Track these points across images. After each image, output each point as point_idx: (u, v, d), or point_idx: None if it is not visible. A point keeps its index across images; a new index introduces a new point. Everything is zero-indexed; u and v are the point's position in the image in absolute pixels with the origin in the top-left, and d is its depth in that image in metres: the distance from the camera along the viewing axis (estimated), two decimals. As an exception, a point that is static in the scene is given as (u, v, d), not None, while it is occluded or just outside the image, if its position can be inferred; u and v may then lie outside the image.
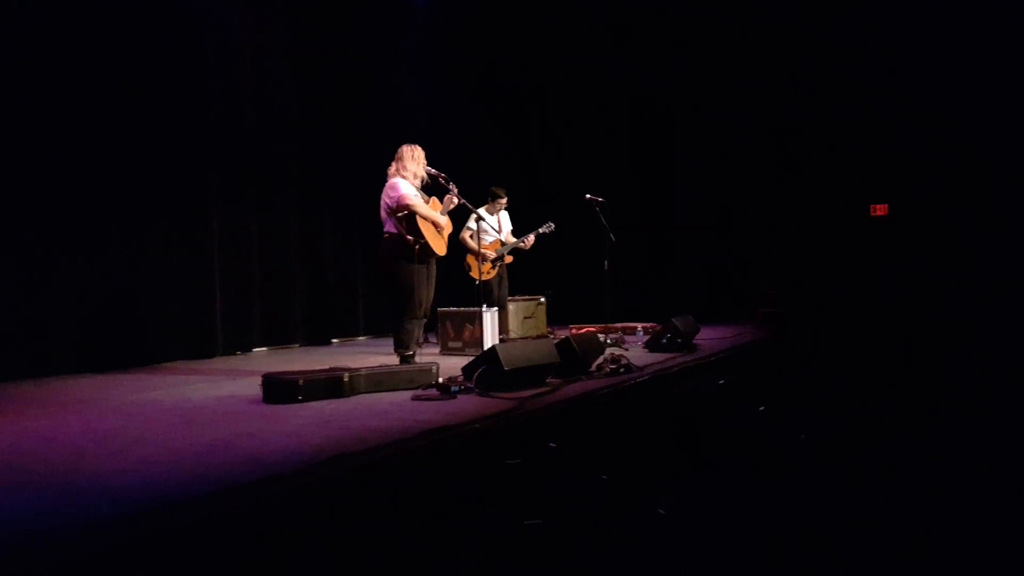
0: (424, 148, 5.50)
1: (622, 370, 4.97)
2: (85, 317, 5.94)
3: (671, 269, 10.46)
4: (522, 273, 7.83)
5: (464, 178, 5.79)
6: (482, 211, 6.84)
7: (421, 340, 5.64)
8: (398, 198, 5.16)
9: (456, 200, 5.43)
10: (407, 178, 5.29)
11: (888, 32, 9.38)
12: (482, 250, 6.70)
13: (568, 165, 10.62)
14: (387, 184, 5.30)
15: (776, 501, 3.39)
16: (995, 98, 8.99)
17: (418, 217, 5.16)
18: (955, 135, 9.25)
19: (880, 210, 9.73)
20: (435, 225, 5.30)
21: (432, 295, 5.51)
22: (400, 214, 5.18)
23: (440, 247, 5.33)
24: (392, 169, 5.38)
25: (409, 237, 5.15)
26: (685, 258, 10.45)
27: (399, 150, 5.39)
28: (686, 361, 5.69)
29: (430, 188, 5.54)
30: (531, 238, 6.90)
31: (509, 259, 6.99)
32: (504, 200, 6.93)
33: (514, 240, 7.02)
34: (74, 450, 3.14)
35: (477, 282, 5.68)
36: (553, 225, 7.03)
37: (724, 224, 10.30)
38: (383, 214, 5.31)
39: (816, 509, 3.27)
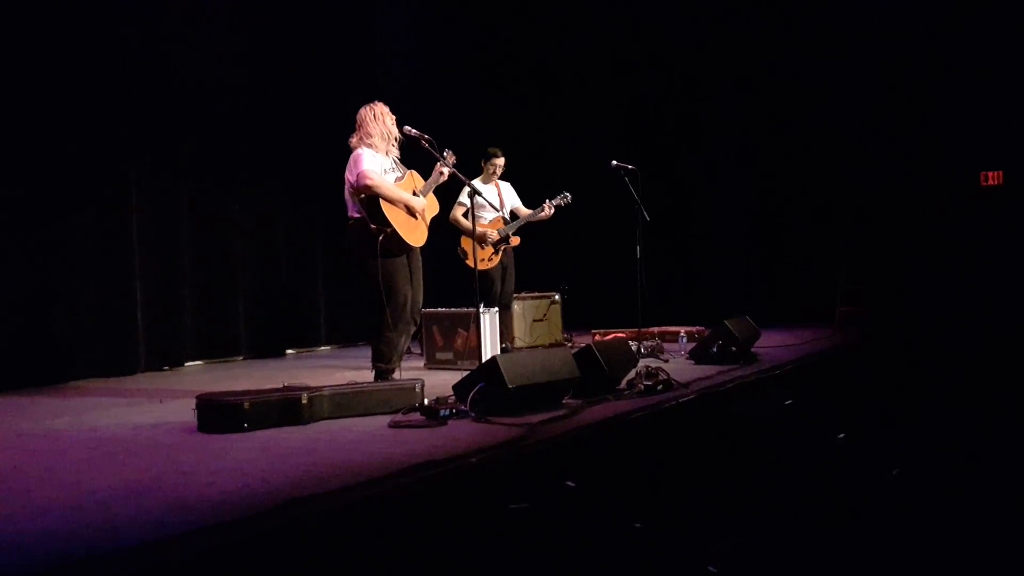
0: (404, 107, 5.48)
1: (660, 387, 4.96)
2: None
3: (722, 258, 10.44)
4: (531, 263, 7.83)
5: (456, 142, 5.77)
6: (477, 182, 6.84)
7: (404, 351, 5.63)
8: (357, 175, 5.14)
9: (447, 171, 5.41)
10: (373, 146, 5.27)
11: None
12: (480, 230, 6.69)
13: (588, 126, 10.61)
14: (350, 158, 5.28)
15: (859, 556, 3.37)
16: None
17: (381, 200, 5.14)
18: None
19: (993, 178, 9.69)
20: (407, 209, 5.27)
21: (421, 294, 5.50)
22: (362, 197, 5.17)
23: (415, 236, 5.31)
24: (354, 139, 5.35)
25: (372, 225, 5.13)
26: (740, 244, 10.44)
27: (358, 114, 5.35)
28: (743, 375, 5.68)
29: (412, 156, 5.52)
30: (548, 208, 6.89)
31: (516, 241, 7.00)
32: (501, 161, 6.93)
33: (528, 212, 7.01)
34: (-45, 494, 3.14)
35: (474, 271, 5.63)
36: (569, 196, 7.02)
37: (790, 202, 10.28)
38: (345, 195, 5.30)
39: (909, 566, 3.26)
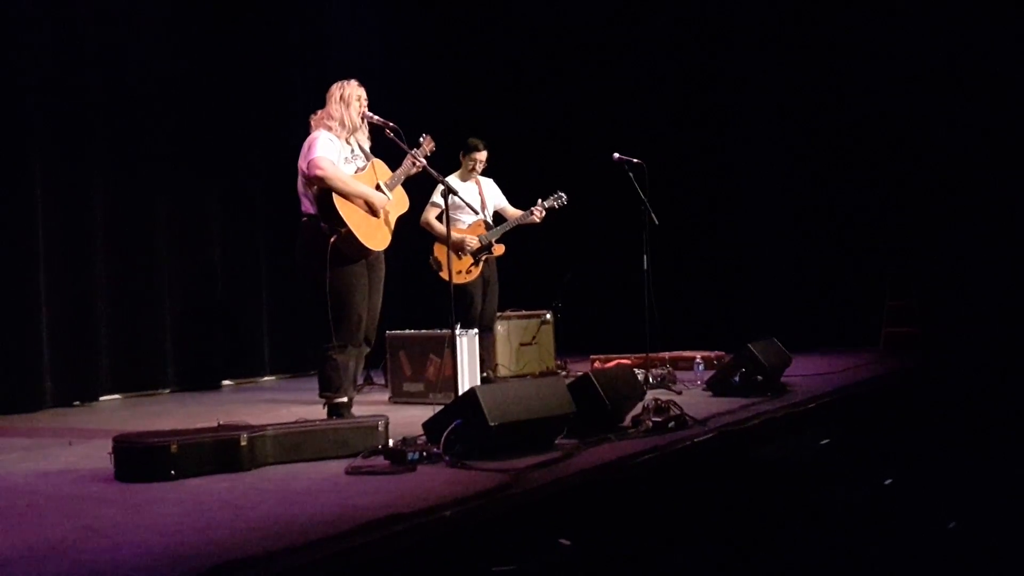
0: (364, 85, 5.49)
1: (672, 425, 4.96)
2: None
3: (747, 269, 10.47)
4: (519, 275, 7.84)
5: (429, 131, 5.76)
6: (453, 179, 6.85)
7: (361, 380, 5.62)
8: (308, 162, 5.18)
9: (418, 164, 5.42)
10: (332, 130, 5.30)
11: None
12: (457, 236, 6.71)
13: (586, 112, 10.63)
14: (305, 141, 5.31)
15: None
16: None
17: (335, 195, 5.15)
18: None
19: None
20: (368, 206, 5.28)
21: (378, 310, 5.51)
22: (314, 190, 5.19)
23: (376, 239, 5.31)
24: (314, 117, 5.40)
25: (324, 224, 5.15)
26: (768, 253, 10.47)
27: (330, 89, 5.41)
28: (770, 410, 5.69)
29: (380, 145, 5.53)
30: (539, 211, 6.91)
31: (499, 249, 7.02)
32: (483, 156, 6.95)
33: (516, 213, 7.02)
34: None
35: (450, 285, 5.61)
36: (564, 197, 7.05)
37: (828, 201, 10.30)
38: (299, 187, 5.32)
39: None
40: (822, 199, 10.27)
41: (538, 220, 6.96)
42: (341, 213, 5.13)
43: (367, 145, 5.49)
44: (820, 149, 10.26)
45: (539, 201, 6.96)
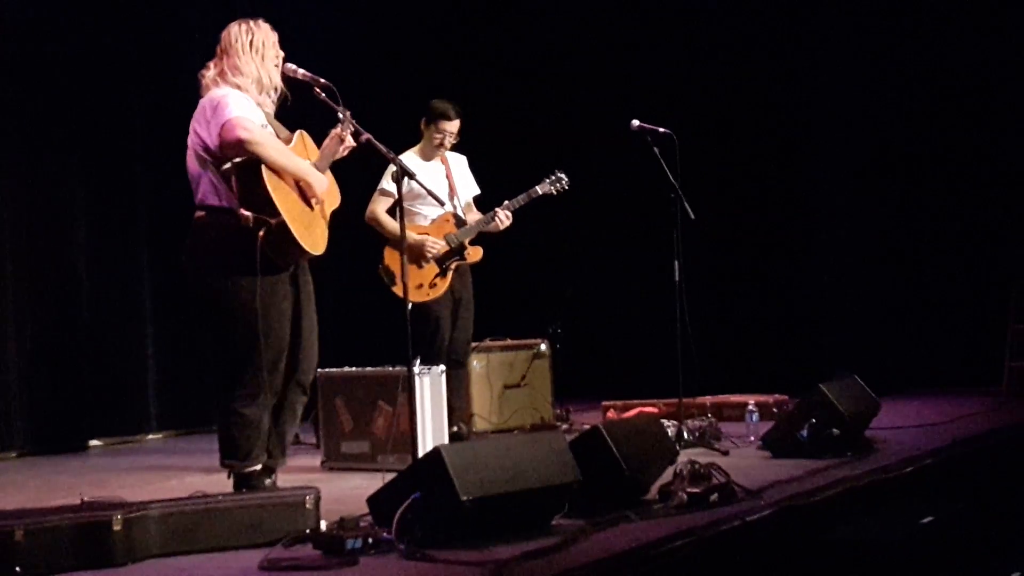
0: (285, 35, 5.49)
1: (715, 498, 4.97)
2: None
3: (819, 282, 10.48)
4: (503, 291, 7.83)
5: (381, 92, 5.77)
6: (411, 157, 6.86)
7: (290, 440, 5.61)
8: (223, 126, 5.09)
9: (351, 136, 5.41)
10: (243, 88, 5.27)
11: None
12: (417, 236, 6.75)
13: (595, 64, 10.67)
14: (201, 105, 5.27)
15: None
16: None
17: (265, 168, 5.09)
18: None
19: None
20: (300, 189, 5.26)
21: (312, 342, 5.51)
22: (231, 163, 5.11)
23: (314, 236, 5.30)
24: (210, 73, 5.35)
25: (245, 211, 5.08)
26: (842, 259, 10.48)
27: (225, 32, 5.36)
28: (852, 476, 5.69)
29: (291, 114, 5.53)
30: (504, 215, 6.96)
31: (475, 254, 7.07)
32: (453, 126, 6.98)
33: (477, 217, 7.09)
34: None
35: (405, 304, 5.59)
36: (565, 179, 7.10)
37: (922, 188, 10.33)
38: (192, 168, 5.27)
39: None
40: (921, 185, 10.31)
41: (503, 227, 6.96)
42: (274, 197, 5.06)
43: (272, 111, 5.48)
44: (921, 119, 10.27)
45: (505, 203, 6.96)
